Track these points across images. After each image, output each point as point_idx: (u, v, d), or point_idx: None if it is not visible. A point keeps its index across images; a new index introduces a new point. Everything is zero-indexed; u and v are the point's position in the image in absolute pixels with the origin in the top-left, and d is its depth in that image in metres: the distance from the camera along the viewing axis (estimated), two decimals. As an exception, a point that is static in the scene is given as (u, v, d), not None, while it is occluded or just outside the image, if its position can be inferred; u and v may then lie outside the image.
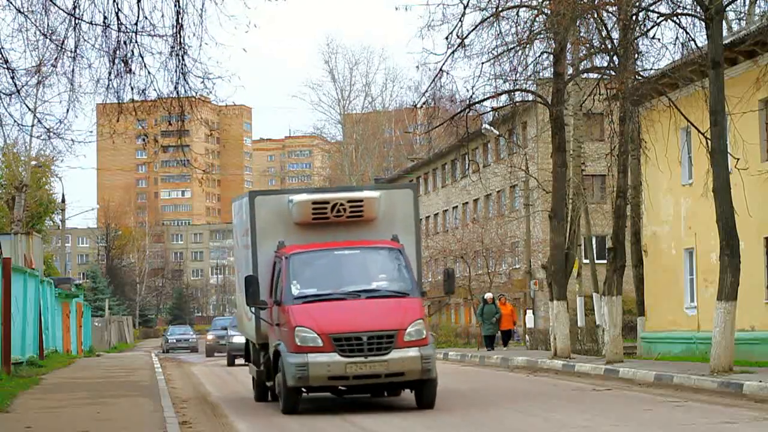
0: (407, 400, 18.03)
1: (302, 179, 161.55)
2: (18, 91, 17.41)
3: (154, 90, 16.01)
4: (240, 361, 34.42)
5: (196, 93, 16.31)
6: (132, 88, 15.84)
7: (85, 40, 15.66)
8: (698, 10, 22.19)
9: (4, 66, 16.88)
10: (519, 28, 26.57)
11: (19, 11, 15.69)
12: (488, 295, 40.00)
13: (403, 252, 17.34)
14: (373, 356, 16.02)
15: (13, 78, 17.11)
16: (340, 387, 17.05)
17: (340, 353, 15.99)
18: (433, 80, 26.83)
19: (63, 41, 15.67)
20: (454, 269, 20.87)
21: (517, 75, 27.34)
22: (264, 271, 17.62)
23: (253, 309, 17.46)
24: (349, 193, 18.11)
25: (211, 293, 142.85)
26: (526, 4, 27.02)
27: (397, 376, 16.30)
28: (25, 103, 18.56)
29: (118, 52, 15.53)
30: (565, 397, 19.12)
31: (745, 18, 33.64)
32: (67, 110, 17.11)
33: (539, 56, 27.63)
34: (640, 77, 25.89)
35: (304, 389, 16.70)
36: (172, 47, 15.53)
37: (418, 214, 18.59)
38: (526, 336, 46.14)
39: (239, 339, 33.44)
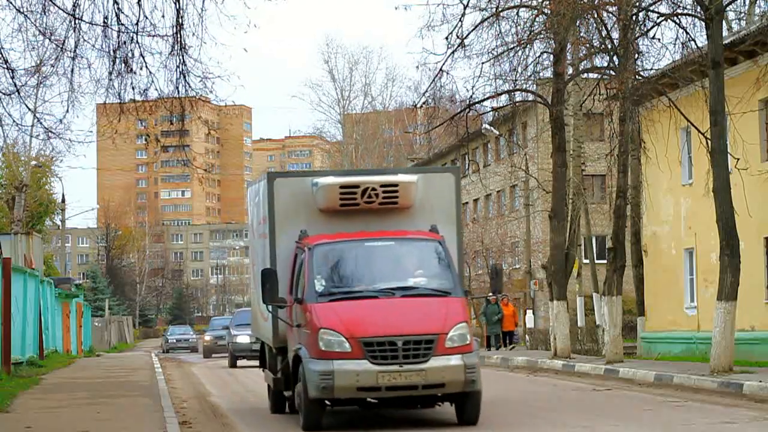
0: (446, 414, 15.41)
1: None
2: (18, 91, 17.44)
3: (155, 90, 16.03)
4: (242, 362, 33.87)
5: (197, 93, 16.33)
6: (133, 88, 15.87)
7: (85, 40, 15.68)
8: (698, 10, 22.19)
9: (4, 66, 16.90)
10: (519, 28, 26.60)
11: (19, 11, 15.70)
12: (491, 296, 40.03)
13: (443, 244, 15.10)
14: (409, 364, 13.83)
15: (12, 78, 17.13)
16: (369, 400, 14.55)
17: (371, 360, 13.79)
18: (433, 80, 26.87)
19: (63, 41, 15.68)
20: (501, 265, 19.54)
21: (517, 75, 27.36)
22: (283, 264, 15.44)
23: (269, 307, 15.16)
24: (382, 176, 15.88)
25: (211, 293, 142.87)
26: (526, 4, 27.03)
27: (437, 388, 14.10)
28: (25, 103, 18.60)
29: (118, 52, 15.54)
30: (565, 398, 19.12)
31: (745, 18, 33.65)
32: (66, 110, 17.15)
33: (539, 56, 27.65)
34: (640, 77, 25.89)
35: (328, 401, 14.36)
36: (173, 47, 15.55)
37: (460, 201, 16.26)
38: (526, 336, 46.16)
39: (243, 339, 33.11)
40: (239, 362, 34.93)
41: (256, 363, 30.99)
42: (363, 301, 14.40)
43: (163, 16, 15.38)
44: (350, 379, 13.84)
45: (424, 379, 13.89)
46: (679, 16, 23.70)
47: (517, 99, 30.97)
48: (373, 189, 15.34)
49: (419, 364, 13.86)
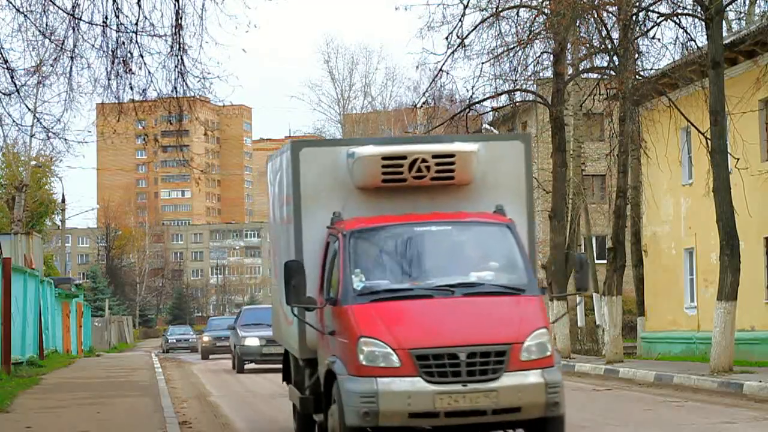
0: None
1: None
2: (18, 91, 17.43)
3: (154, 90, 16.03)
4: (251, 366, 30.68)
5: (195, 93, 16.32)
6: (132, 88, 15.86)
7: (84, 40, 15.68)
8: (698, 10, 22.21)
9: (4, 66, 16.89)
10: (519, 28, 26.63)
11: (19, 11, 15.70)
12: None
13: (513, 230, 12.05)
14: (475, 383, 10.73)
15: (12, 78, 17.12)
16: (424, 427, 11.24)
17: (427, 378, 10.71)
18: (433, 80, 26.90)
19: (62, 41, 15.68)
20: (586, 256, 14.54)
21: (517, 75, 27.40)
22: (312, 255, 12.35)
23: (294, 310, 12.02)
24: (435, 145, 12.76)
25: (211, 293, 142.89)
26: (526, 4, 27.06)
27: (511, 413, 10.97)
28: (24, 103, 18.59)
29: (117, 51, 15.54)
30: (566, 398, 19.09)
31: (745, 18, 33.65)
32: (64, 110, 17.13)
33: (539, 56, 27.69)
34: (640, 77, 25.92)
35: (370, 430, 11.11)
36: (171, 47, 15.54)
37: (531, 175, 13.16)
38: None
39: (252, 342, 29.94)
40: (246, 366, 30.84)
41: (265, 366, 29.41)
42: (414, 301, 11.38)
43: (162, 16, 15.39)
44: (399, 403, 10.77)
45: (495, 402, 10.76)
46: (679, 16, 23.72)
47: (517, 99, 31.02)
48: (424, 161, 12.27)
49: (488, 383, 10.78)
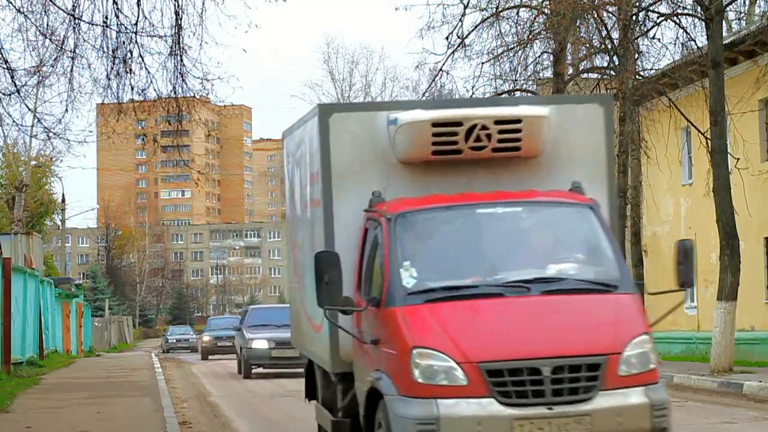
0: None
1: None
2: (18, 91, 17.43)
3: (154, 90, 16.04)
4: (259, 370, 27.92)
5: (195, 93, 16.33)
6: (132, 88, 15.87)
7: (84, 40, 15.69)
8: (698, 10, 22.22)
9: (4, 66, 16.90)
10: (519, 28, 26.63)
11: (19, 11, 15.70)
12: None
13: (598, 212, 9.73)
14: (563, 405, 8.46)
15: (12, 78, 17.12)
16: None
17: (501, 399, 8.41)
18: (433, 80, 26.89)
19: (63, 41, 15.69)
20: (691, 242, 11.21)
21: (517, 75, 27.40)
22: (345, 245, 9.93)
23: (327, 313, 9.47)
24: (497, 108, 10.42)
25: (211, 293, 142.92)
26: (526, 4, 27.06)
27: None
28: (25, 103, 18.59)
29: (117, 51, 15.55)
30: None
31: (745, 18, 33.65)
32: (66, 110, 17.13)
33: (539, 56, 27.69)
34: (640, 77, 25.94)
35: None
36: (172, 47, 15.55)
37: (612, 147, 10.75)
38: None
39: (260, 344, 27.36)
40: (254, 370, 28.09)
41: (275, 371, 27.58)
42: (481, 301, 8.94)
43: (162, 17, 15.40)
44: (468, 430, 8.44)
45: (588, 430, 8.52)
46: (679, 16, 23.74)
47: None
48: (484, 128, 9.90)
49: (579, 405, 8.48)
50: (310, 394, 12.56)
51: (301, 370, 25.57)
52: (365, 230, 9.90)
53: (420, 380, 8.50)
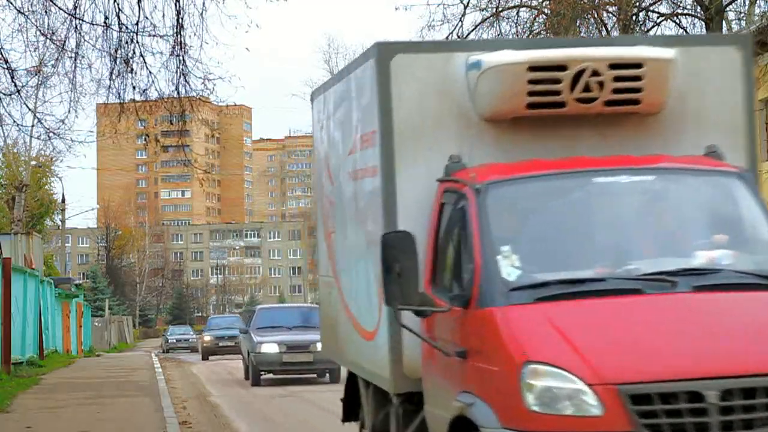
0: None
1: (302, 179, 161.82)
2: (18, 91, 17.45)
3: (155, 90, 16.06)
4: (268, 376, 25.40)
5: (197, 93, 16.34)
6: (134, 88, 15.89)
7: (86, 41, 15.70)
8: (698, 10, 22.24)
9: (4, 66, 16.91)
10: (519, 28, 26.61)
11: (20, 11, 15.72)
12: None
13: (750, 183, 7.43)
14: None
15: (13, 78, 17.14)
16: None
17: None
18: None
19: (63, 41, 15.71)
20: None
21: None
22: (411, 226, 7.37)
23: (396, 314, 7.03)
24: (611, 49, 8.02)
25: (211, 293, 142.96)
26: (526, 4, 27.06)
27: None
28: (25, 104, 18.61)
29: (119, 51, 15.57)
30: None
31: (745, 18, 33.68)
32: (69, 110, 17.17)
33: (539, 56, 27.67)
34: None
35: None
36: (173, 47, 15.57)
37: (752, 101, 8.37)
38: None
39: (270, 348, 24.63)
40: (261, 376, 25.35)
41: (285, 377, 25.15)
42: (612, 300, 6.55)
43: (163, 16, 15.46)
44: None
45: None
46: (679, 16, 23.76)
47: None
48: (596, 73, 7.54)
49: None
50: (350, 415, 10.07)
51: (314, 375, 24.57)
52: (440, 206, 7.46)
53: (535, 408, 6.03)
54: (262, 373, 25.03)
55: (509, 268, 6.71)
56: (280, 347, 24.59)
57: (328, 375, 24.34)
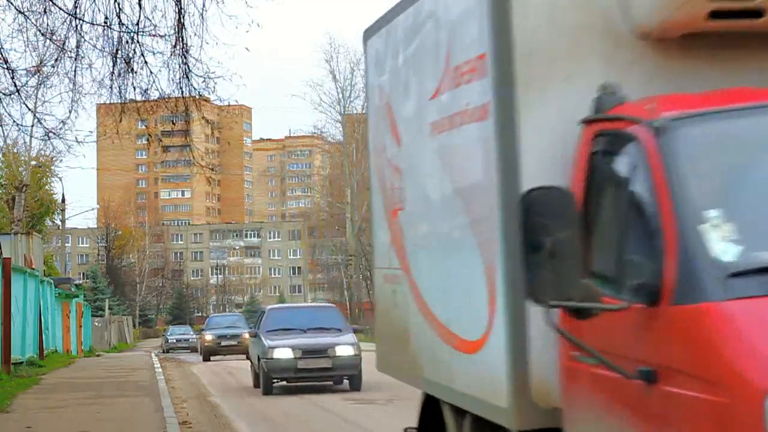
0: None
1: (302, 179, 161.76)
2: (18, 91, 17.43)
3: (156, 90, 16.05)
4: (281, 384, 22.94)
5: (198, 93, 16.34)
6: (134, 88, 15.88)
7: (86, 41, 15.69)
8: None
9: (4, 66, 16.90)
10: None
11: (20, 11, 15.70)
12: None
13: None
14: None
15: (13, 78, 17.12)
16: None
17: None
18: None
19: (64, 41, 15.69)
20: None
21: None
22: (541, 182, 4.75)
23: (553, 314, 4.62)
24: None
25: (211, 293, 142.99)
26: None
27: None
28: (25, 104, 18.58)
29: (119, 51, 15.56)
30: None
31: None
32: (70, 111, 17.15)
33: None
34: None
35: None
36: (174, 47, 15.56)
37: None
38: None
39: (284, 354, 22.13)
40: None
41: (300, 384, 22.51)
42: None
43: (164, 16, 15.44)
44: None
45: None
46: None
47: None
48: None
49: None
50: None
51: (331, 383, 23.19)
52: (589, 156, 5.15)
53: None
54: (275, 380, 22.47)
55: (723, 244, 4.32)
56: (295, 352, 22.07)
57: (347, 382, 22.38)
